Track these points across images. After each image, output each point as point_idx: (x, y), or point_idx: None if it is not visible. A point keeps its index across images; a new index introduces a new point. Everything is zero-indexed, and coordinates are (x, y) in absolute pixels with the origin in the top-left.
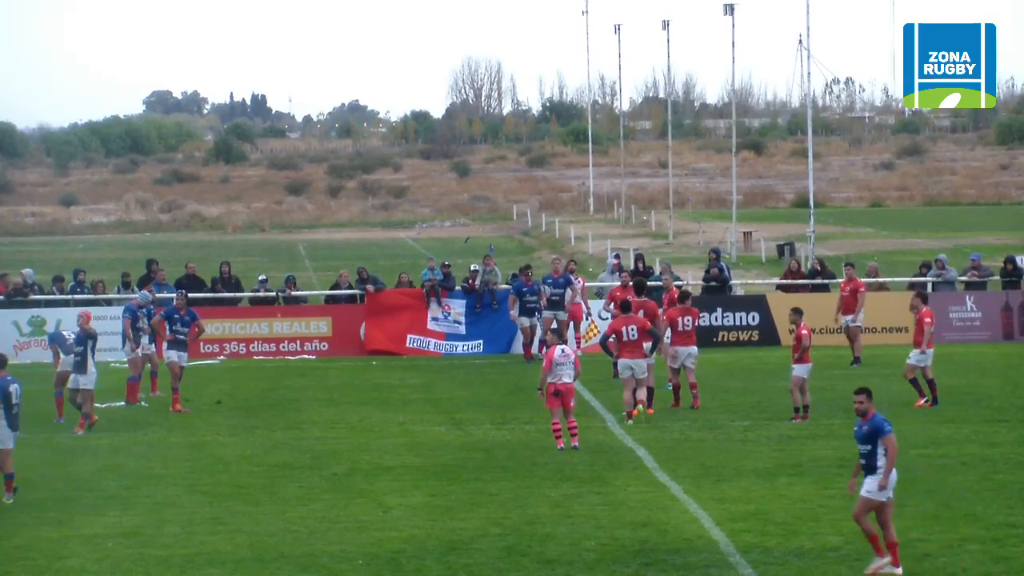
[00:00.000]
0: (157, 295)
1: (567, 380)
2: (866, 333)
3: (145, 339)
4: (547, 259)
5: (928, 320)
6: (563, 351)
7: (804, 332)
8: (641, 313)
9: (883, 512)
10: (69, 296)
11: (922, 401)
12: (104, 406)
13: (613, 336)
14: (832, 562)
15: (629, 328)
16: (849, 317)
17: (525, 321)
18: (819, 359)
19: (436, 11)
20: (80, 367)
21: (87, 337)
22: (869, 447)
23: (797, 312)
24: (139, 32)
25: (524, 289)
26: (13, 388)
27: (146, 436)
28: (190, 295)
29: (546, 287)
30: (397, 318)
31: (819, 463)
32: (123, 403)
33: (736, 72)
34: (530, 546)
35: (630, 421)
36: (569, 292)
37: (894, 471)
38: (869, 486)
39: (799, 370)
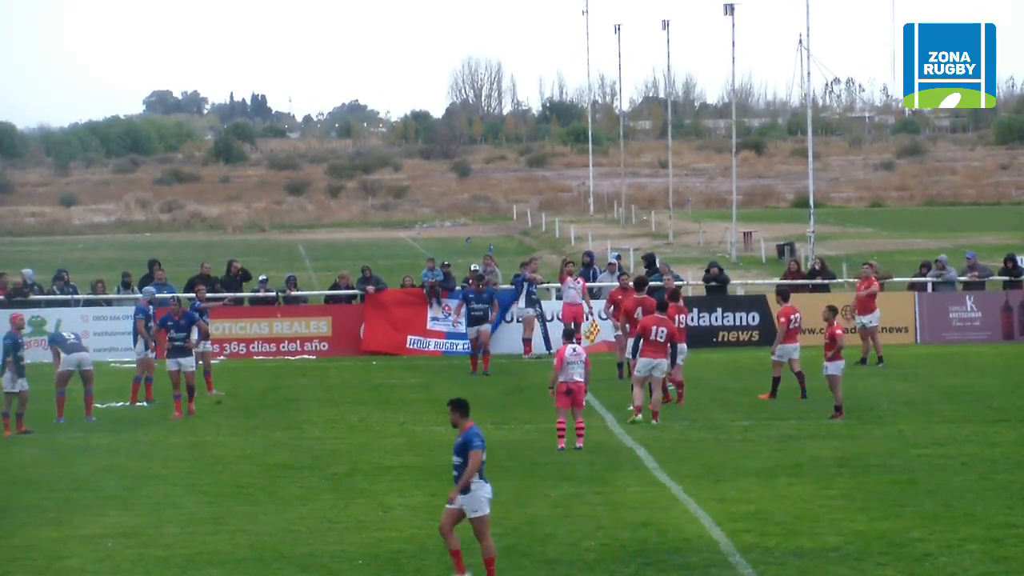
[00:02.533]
0: (156, 295)
1: (578, 379)
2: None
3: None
4: (547, 259)
5: (782, 319)
6: (574, 350)
7: (839, 332)
8: (640, 310)
9: (477, 527)
10: (69, 296)
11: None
12: (104, 406)
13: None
14: (832, 562)
15: (659, 329)
16: (866, 318)
17: (472, 332)
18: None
19: (436, 11)
20: (21, 370)
21: (22, 344)
22: (461, 459)
23: (832, 310)
24: (139, 32)
25: (471, 296)
26: None
27: (146, 436)
28: (208, 295)
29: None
30: (397, 318)
31: (819, 463)
32: (124, 403)
33: (736, 72)
34: (530, 546)
35: (639, 416)
36: (573, 292)
37: (487, 487)
38: (462, 500)
39: (834, 368)
